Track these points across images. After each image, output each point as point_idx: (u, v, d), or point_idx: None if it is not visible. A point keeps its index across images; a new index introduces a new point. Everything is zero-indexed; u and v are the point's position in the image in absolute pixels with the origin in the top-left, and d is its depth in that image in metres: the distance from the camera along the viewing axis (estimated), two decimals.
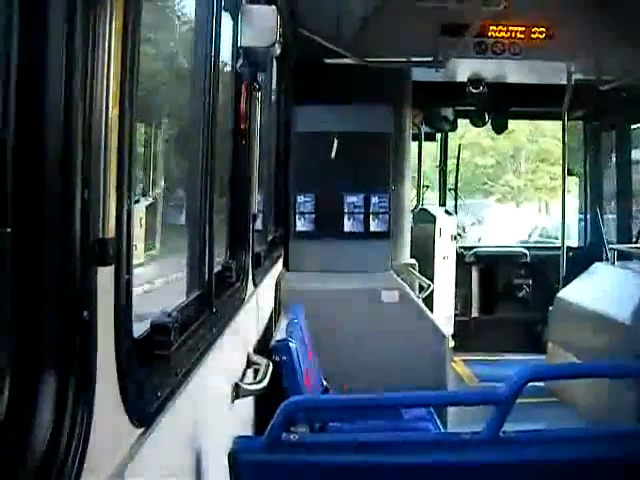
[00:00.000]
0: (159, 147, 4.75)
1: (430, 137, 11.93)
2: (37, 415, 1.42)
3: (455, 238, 10.29)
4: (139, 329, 2.27)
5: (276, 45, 4.05)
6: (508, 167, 36.02)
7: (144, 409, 1.98)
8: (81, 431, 1.48)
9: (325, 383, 5.86)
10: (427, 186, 12.85)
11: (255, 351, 4.74)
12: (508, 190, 36.16)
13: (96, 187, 1.53)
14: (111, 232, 1.60)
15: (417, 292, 7.92)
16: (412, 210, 9.57)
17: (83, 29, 1.47)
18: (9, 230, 1.39)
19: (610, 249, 8.97)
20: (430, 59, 7.47)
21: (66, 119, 1.44)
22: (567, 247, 9.69)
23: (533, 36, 7.45)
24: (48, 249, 1.44)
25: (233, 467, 2.72)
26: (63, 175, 1.45)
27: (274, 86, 6.84)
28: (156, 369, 2.20)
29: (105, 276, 1.65)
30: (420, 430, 5.09)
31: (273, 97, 6.89)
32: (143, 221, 4.14)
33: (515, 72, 8.61)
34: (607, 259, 8.95)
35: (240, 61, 4.05)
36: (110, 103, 1.56)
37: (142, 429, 1.98)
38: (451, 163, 12.45)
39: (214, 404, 3.38)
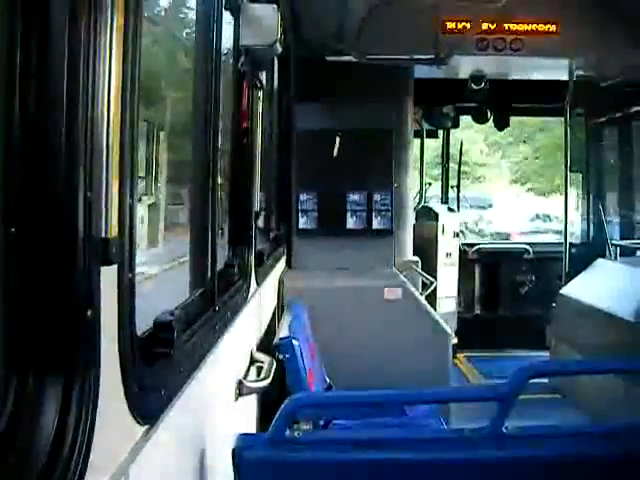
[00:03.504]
0: (162, 146, 4.76)
1: (432, 134, 11.93)
2: (41, 414, 1.43)
3: (458, 235, 10.30)
4: (142, 326, 2.28)
5: (277, 44, 4.06)
6: None
7: (148, 407, 1.99)
8: (85, 429, 1.49)
9: (328, 380, 5.87)
10: (429, 183, 12.82)
11: (258, 349, 4.75)
12: None
13: (98, 186, 1.54)
14: (114, 231, 1.61)
15: (420, 289, 7.92)
16: (414, 207, 9.57)
17: (84, 29, 1.47)
18: (13, 230, 1.40)
19: (612, 245, 8.96)
20: (431, 56, 7.47)
21: (68, 118, 1.45)
22: (569, 243, 9.69)
23: (534, 32, 7.44)
24: (51, 249, 1.45)
25: (237, 464, 2.72)
26: (66, 175, 1.46)
27: (276, 84, 6.85)
28: (159, 367, 2.21)
29: (108, 275, 1.66)
30: (423, 427, 5.09)
31: (275, 95, 6.90)
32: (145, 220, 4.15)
33: (517, 68, 8.60)
34: (610, 255, 8.95)
35: (242, 60, 4.05)
36: (112, 102, 1.57)
37: (146, 427, 1.99)
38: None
39: (218, 402, 3.39)
